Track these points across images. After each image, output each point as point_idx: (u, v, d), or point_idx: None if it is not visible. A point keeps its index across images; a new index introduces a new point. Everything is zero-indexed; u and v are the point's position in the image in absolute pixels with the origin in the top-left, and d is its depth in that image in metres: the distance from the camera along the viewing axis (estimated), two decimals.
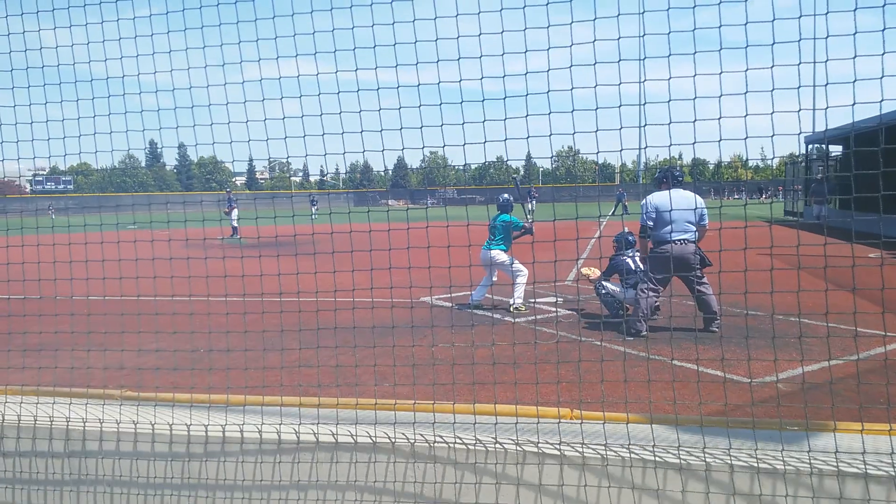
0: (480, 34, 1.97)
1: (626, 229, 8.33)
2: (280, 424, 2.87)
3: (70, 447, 3.06)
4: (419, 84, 2.20)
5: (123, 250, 3.09)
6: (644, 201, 7.57)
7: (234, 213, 23.89)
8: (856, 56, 1.79)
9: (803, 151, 29.43)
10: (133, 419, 3.03)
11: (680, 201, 7.48)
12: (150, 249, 3.01)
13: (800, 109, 1.90)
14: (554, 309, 9.27)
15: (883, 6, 1.82)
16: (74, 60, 2.78)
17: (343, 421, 2.84)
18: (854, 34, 1.78)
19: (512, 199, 9.57)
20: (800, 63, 1.87)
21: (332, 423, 2.82)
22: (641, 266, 8.04)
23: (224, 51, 2.53)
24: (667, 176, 7.66)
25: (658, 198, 7.46)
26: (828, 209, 24.99)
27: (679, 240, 7.21)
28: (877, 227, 2.10)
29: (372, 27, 2.12)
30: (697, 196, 7.57)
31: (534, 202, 37.80)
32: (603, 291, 8.54)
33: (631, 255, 8.34)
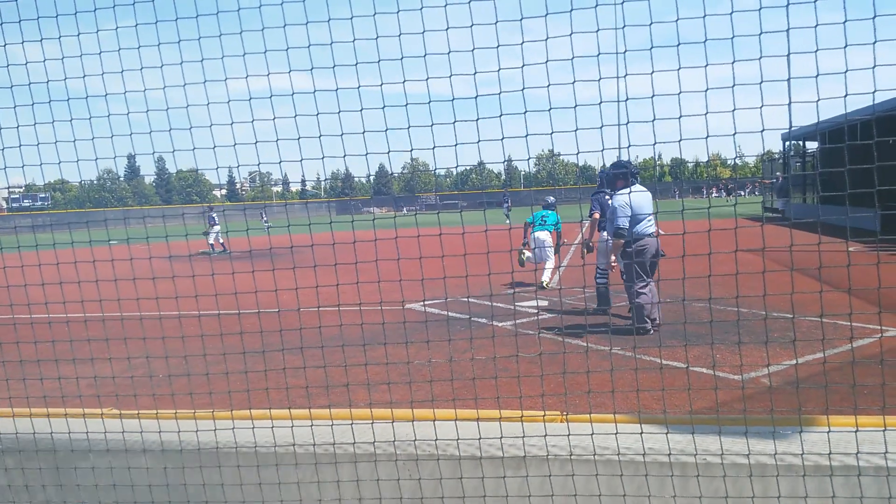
0: (448, 28, 1.88)
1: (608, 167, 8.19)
2: (255, 446, 2.76)
3: (57, 461, 2.95)
4: (381, 83, 2.10)
5: (99, 267, 2.96)
6: (617, 201, 7.24)
7: (215, 229, 23.02)
8: (846, 45, 1.73)
9: (780, 149, 29.84)
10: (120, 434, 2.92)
11: (645, 197, 7.41)
12: (128, 266, 2.90)
13: (790, 102, 1.85)
14: (535, 310, 9.23)
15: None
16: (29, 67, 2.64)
17: (322, 436, 2.74)
18: (845, 21, 1.72)
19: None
20: (789, 53, 1.81)
21: (310, 440, 2.72)
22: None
23: (188, 54, 2.42)
24: (626, 171, 7.41)
25: (631, 197, 7.20)
26: (786, 203, 26.46)
27: (652, 233, 7.16)
28: (840, 220, 2.07)
29: (328, 22, 2.00)
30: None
31: (507, 206, 37.54)
32: (601, 281, 8.68)
33: (611, 193, 8.04)
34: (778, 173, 30.68)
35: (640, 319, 7.10)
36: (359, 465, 2.65)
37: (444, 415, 2.72)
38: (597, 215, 8.75)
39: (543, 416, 2.64)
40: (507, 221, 30.64)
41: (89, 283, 2.93)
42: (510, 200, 40.17)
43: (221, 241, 22.46)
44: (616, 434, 2.39)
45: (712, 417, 2.66)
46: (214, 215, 22.59)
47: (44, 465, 3.00)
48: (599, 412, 2.69)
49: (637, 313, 7.08)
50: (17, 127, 2.70)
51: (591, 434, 2.37)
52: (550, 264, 11.26)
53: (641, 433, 2.42)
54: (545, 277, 11.14)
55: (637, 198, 7.24)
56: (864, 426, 2.38)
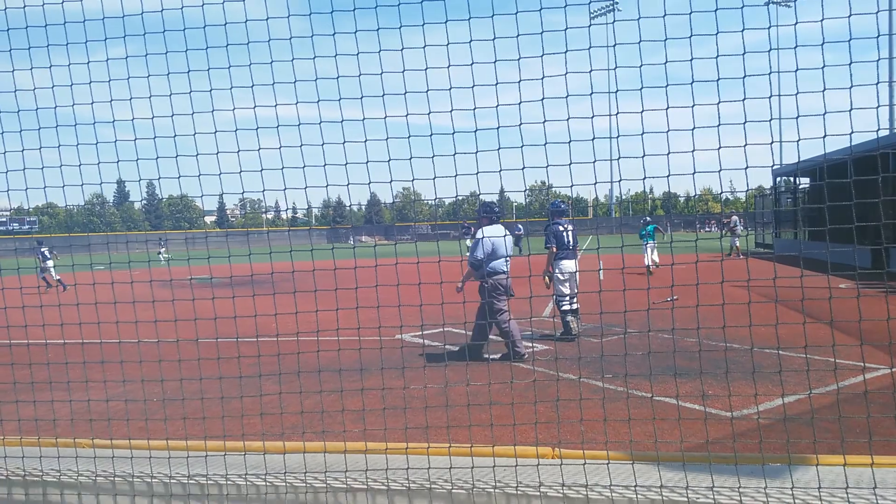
0: (449, 66, 1.94)
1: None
2: (245, 475, 2.73)
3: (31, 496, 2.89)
4: (385, 117, 2.15)
5: (81, 293, 2.96)
6: (480, 237, 7.99)
7: (49, 264, 20.57)
8: (825, 89, 1.80)
9: (771, 184, 30.24)
10: (93, 469, 2.87)
11: (506, 239, 8.13)
12: (110, 292, 2.90)
13: (772, 142, 1.90)
14: (530, 344, 9.21)
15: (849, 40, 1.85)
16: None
17: (312, 468, 2.71)
18: (822, 67, 1.79)
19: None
20: (771, 96, 1.87)
21: (300, 472, 2.70)
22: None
23: (192, 84, 2.47)
24: (491, 211, 8.36)
25: (491, 234, 7.96)
26: (735, 240, 27.69)
27: (506, 271, 7.98)
28: (828, 256, 2.10)
29: (335, 57, 2.06)
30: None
31: (470, 237, 36.86)
32: (564, 308, 8.73)
33: (564, 224, 8.79)
34: (731, 210, 31.86)
35: (475, 351, 7.87)
36: (354, 495, 2.63)
37: (437, 450, 2.70)
38: (554, 248, 9.28)
39: (536, 451, 2.64)
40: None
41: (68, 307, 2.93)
42: (473, 231, 39.10)
43: (57, 278, 20.20)
44: (608, 463, 2.39)
45: (703, 455, 2.67)
46: (44, 250, 20.89)
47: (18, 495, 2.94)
48: (591, 447, 2.69)
49: (474, 346, 7.86)
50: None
51: (584, 463, 2.37)
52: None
53: (633, 463, 2.42)
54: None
55: (493, 232, 8.02)
56: (852, 465, 2.39)
